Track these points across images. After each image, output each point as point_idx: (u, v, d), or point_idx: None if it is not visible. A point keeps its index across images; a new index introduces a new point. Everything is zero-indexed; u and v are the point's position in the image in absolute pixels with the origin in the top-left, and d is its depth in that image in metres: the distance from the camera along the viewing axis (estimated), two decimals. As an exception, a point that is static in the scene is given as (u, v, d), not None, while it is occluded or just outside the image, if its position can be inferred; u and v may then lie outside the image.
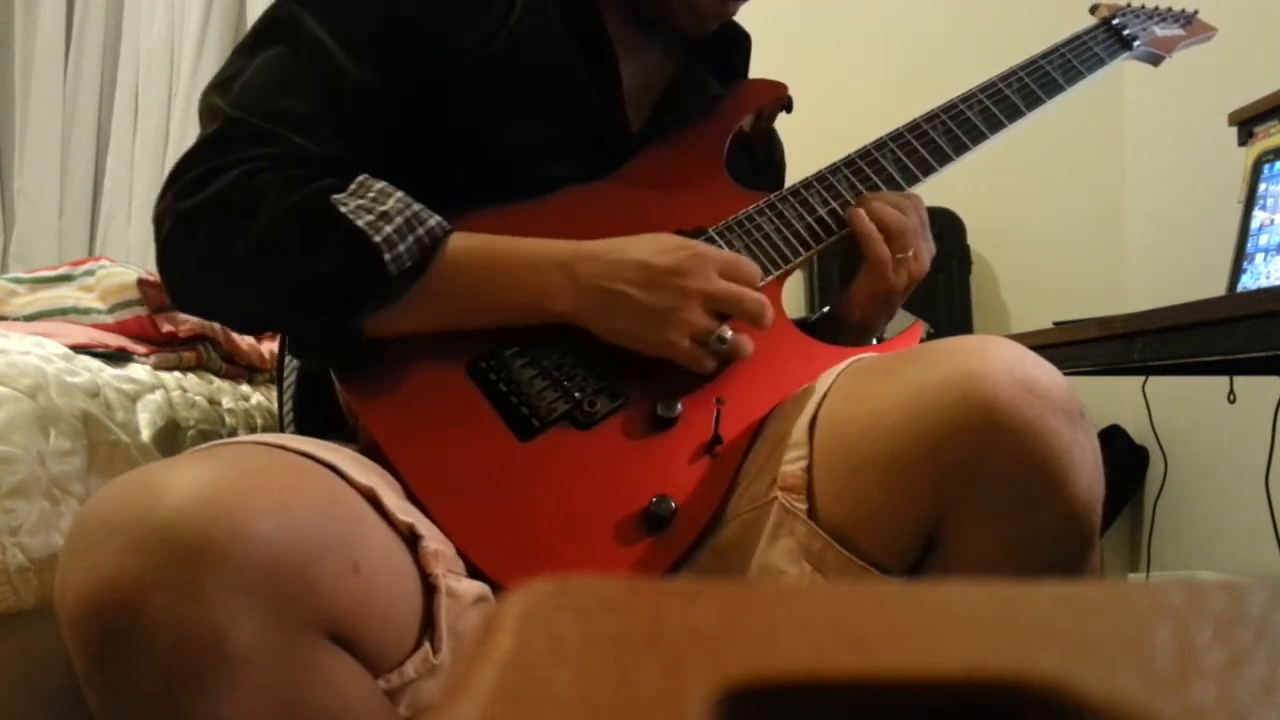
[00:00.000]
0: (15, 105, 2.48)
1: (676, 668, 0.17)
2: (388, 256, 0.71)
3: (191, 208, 0.73)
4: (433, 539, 0.64)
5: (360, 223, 0.71)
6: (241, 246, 0.72)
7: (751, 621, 0.20)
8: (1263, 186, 1.66)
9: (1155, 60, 1.12)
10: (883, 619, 0.20)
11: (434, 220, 0.74)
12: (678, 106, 0.94)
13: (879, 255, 0.87)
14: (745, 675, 0.17)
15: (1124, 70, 1.19)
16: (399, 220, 0.72)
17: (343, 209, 0.72)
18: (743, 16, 0.96)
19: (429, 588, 0.62)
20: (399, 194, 0.74)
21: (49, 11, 2.50)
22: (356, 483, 0.61)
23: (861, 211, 0.88)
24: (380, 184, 0.75)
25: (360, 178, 0.75)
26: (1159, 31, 1.11)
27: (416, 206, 0.74)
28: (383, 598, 0.58)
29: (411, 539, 0.62)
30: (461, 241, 0.76)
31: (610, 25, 0.88)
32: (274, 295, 0.74)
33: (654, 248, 0.77)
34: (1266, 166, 1.67)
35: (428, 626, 0.61)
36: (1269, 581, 0.21)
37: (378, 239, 0.71)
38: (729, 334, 0.76)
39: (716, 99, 0.97)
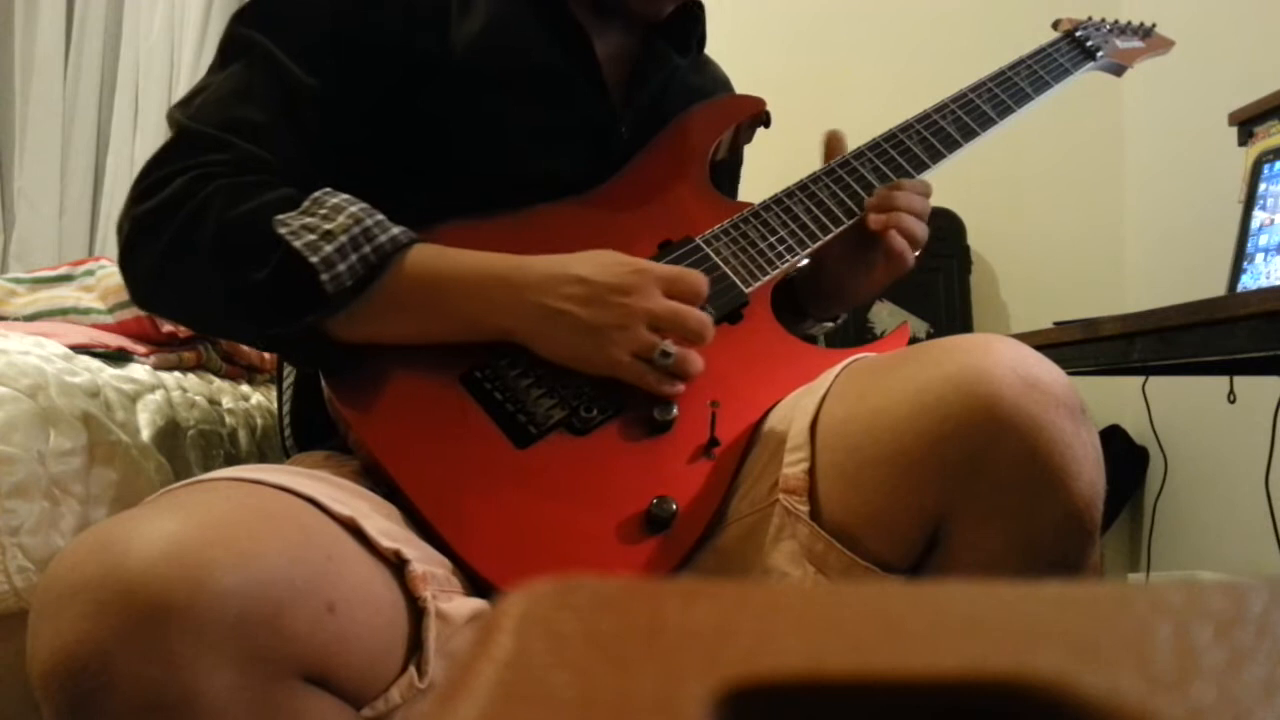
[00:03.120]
0: (15, 105, 2.48)
1: (676, 668, 0.17)
2: (325, 276, 0.71)
3: (144, 213, 0.75)
4: (422, 560, 0.63)
5: (299, 243, 0.71)
6: (187, 251, 0.74)
7: (751, 622, 0.20)
8: (1263, 186, 1.66)
9: (1118, 71, 1.16)
10: (882, 619, 0.20)
11: (386, 236, 0.74)
12: (653, 81, 0.95)
13: (900, 250, 0.91)
14: (745, 675, 0.17)
15: (1123, 70, 1.20)
16: (343, 239, 0.72)
17: (282, 230, 0.72)
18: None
19: (418, 611, 0.61)
20: (353, 210, 0.74)
21: (49, 11, 2.50)
22: (336, 513, 0.60)
23: (884, 218, 0.90)
24: (336, 199, 0.74)
25: (316, 194, 0.75)
26: (1120, 44, 1.16)
27: (369, 222, 0.73)
28: (361, 632, 0.57)
29: (398, 564, 0.61)
30: (416, 255, 0.75)
31: (576, 12, 0.90)
32: (217, 301, 0.76)
33: (596, 264, 0.76)
34: (1266, 166, 1.67)
35: (415, 650, 0.60)
36: (1269, 581, 0.21)
37: (314, 259, 0.71)
38: (673, 349, 0.75)
39: (691, 92, 0.99)
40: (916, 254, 0.93)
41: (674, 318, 0.76)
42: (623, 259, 0.77)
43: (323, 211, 0.73)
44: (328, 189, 0.75)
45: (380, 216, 0.75)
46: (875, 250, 0.92)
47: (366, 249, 0.73)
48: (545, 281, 0.75)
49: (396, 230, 0.75)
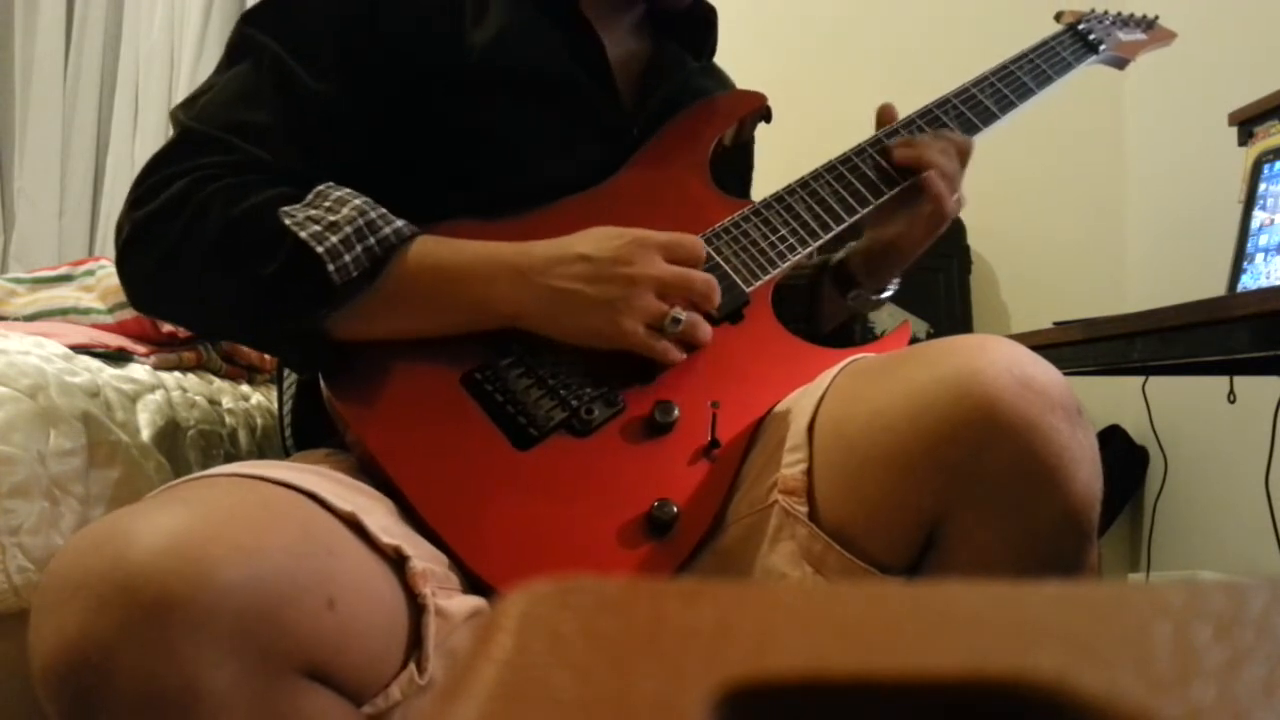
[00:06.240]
0: (15, 105, 2.48)
1: (676, 668, 0.17)
2: (331, 267, 0.71)
3: (144, 215, 0.75)
4: (422, 557, 0.63)
5: (305, 234, 0.71)
6: (190, 251, 0.73)
7: (751, 622, 0.20)
8: (1263, 186, 1.66)
9: (1120, 64, 1.16)
10: (882, 619, 0.20)
11: (390, 228, 0.74)
12: (666, 84, 0.95)
13: (938, 192, 0.91)
14: (745, 675, 0.17)
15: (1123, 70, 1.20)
16: (348, 230, 0.72)
17: (288, 220, 0.72)
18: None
19: (418, 607, 0.61)
20: (357, 202, 0.74)
21: (49, 11, 2.50)
22: (337, 509, 0.60)
23: (917, 153, 0.92)
24: (339, 193, 0.75)
25: (319, 187, 0.75)
26: (1122, 37, 1.15)
27: (374, 214, 0.74)
28: (362, 628, 0.57)
29: (398, 560, 0.62)
30: (420, 247, 0.76)
31: (586, 9, 0.89)
32: (222, 301, 0.75)
33: (595, 240, 0.77)
34: (1266, 166, 1.67)
35: (415, 647, 0.61)
36: (1269, 581, 0.21)
37: (320, 249, 0.71)
38: (683, 314, 0.77)
39: (701, 95, 0.98)
40: (954, 191, 0.93)
41: (680, 281, 0.77)
42: (620, 231, 0.78)
43: (327, 204, 0.74)
44: (330, 183, 0.76)
45: (383, 210, 0.75)
46: (915, 197, 0.92)
47: (371, 240, 0.73)
48: (549, 263, 0.76)
49: (400, 223, 0.75)
